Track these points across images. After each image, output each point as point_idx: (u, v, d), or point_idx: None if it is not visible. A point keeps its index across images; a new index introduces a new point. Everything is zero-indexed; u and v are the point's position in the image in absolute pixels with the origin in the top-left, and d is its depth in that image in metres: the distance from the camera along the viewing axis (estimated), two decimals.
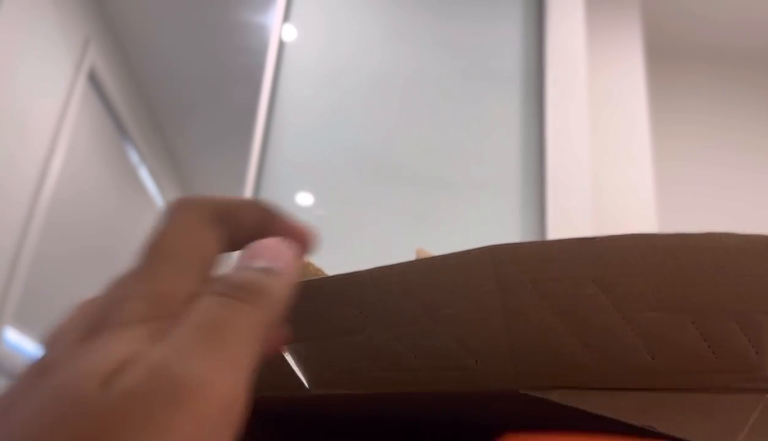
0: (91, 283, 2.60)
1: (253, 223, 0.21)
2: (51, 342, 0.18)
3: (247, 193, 1.36)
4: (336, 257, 1.34)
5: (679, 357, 0.23)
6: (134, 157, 2.97)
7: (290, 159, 1.42)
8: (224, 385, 0.15)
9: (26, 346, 2.14)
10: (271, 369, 0.27)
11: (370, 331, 0.25)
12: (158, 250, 0.19)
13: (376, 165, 1.43)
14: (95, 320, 0.17)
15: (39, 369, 0.16)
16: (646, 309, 0.22)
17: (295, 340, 0.27)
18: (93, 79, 2.46)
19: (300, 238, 0.22)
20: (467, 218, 1.38)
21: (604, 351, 0.23)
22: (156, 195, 3.29)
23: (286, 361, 0.28)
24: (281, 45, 1.51)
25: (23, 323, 2.10)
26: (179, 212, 0.20)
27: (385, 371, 0.26)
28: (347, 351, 0.26)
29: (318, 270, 0.34)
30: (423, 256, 0.46)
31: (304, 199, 1.40)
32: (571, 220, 1.34)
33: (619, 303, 0.23)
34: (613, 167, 1.64)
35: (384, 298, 0.25)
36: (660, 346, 0.23)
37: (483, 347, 0.24)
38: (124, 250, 2.97)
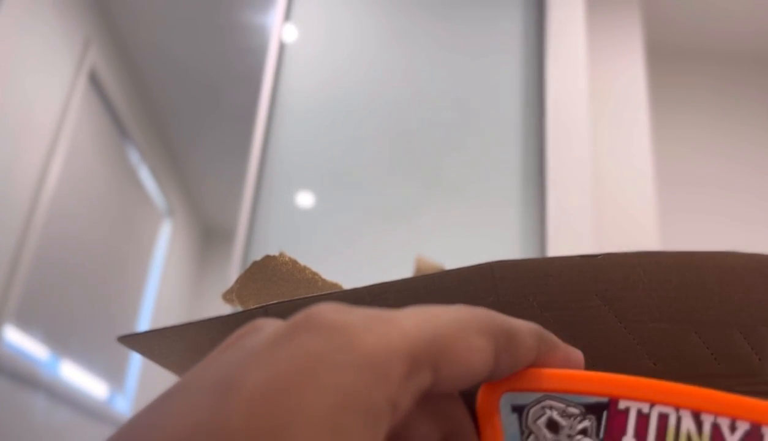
0: (91, 282, 2.61)
1: (524, 355, 0.19)
2: None
3: (248, 193, 1.36)
4: (336, 258, 1.34)
5: (680, 362, 0.23)
6: (135, 157, 2.97)
7: (290, 159, 1.42)
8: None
9: (26, 346, 2.14)
10: None
11: None
12: (429, 340, 0.16)
13: (376, 165, 1.43)
14: None
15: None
16: (648, 320, 0.23)
17: None
18: (94, 80, 2.46)
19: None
20: (467, 219, 1.38)
21: (605, 357, 0.24)
22: (157, 195, 3.30)
23: None
24: (282, 45, 1.51)
25: (23, 323, 2.10)
26: (463, 313, 0.18)
27: None
28: None
29: (314, 274, 0.33)
30: (422, 265, 0.46)
31: (304, 199, 1.40)
32: (571, 220, 1.34)
33: (622, 314, 0.23)
34: (614, 167, 1.63)
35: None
36: (662, 352, 0.23)
37: None
38: (125, 249, 2.98)
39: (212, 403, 0.13)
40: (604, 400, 0.18)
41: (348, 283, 0.30)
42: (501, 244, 1.36)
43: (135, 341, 0.29)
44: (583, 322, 0.23)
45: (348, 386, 0.14)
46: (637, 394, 0.18)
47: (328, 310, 0.15)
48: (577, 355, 0.20)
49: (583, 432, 0.18)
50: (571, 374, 0.19)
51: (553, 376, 0.19)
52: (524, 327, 0.19)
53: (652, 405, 0.18)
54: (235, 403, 0.13)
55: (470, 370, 0.17)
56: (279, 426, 0.13)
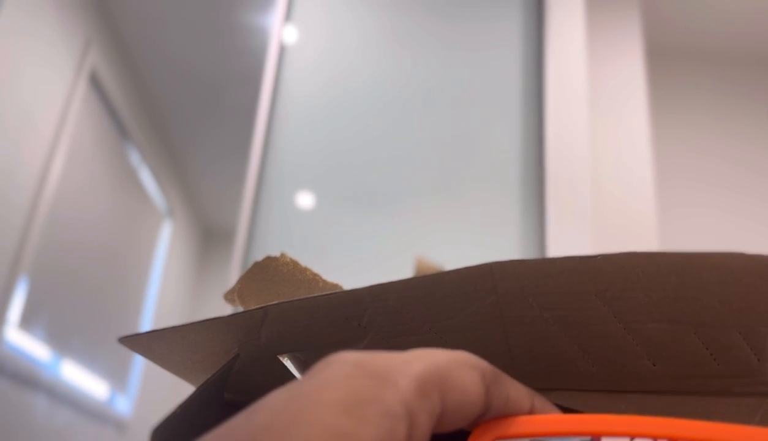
0: (92, 283, 2.61)
1: (516, 397, 0.21)
2: None
3: (248, 193, 1.36)
4: (336, 258, 1.34)
5: (680, 363, 0.23)
6: (135, 157, 2.97)
7: (290, 159, 1.42)
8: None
9: (28, 346, 2.14)
10: (275, 376, 0.27)
11: (370, 340, 0.25)
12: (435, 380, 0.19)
13: (376, 166, 1.43)
14: None
15: None
16: (647, 320, 0.23)
17: (295, 349, 0.27)
18: (94, 81, 2.46)
19: None
20: (467, 219, 1.38)
21: (604, 357, 0.24)
22: (157, 195, 3.30)
23: (287, 368, 0.28)
24: (282, 46, 1.51)
25: (25, 324, 2.10)
26: (453, 353, 0.20)
27: None
28: None
29: (315, 275, 0.33)
30: (421, 265, 0.46)
31: (304, 199, 1.40)
32: (570, 220, 1.34)
33: (621, 314, 0.23)
34: (613, 167, 1.63)
35: (383, 312, 0.25)
36: (661, 353, 0.23)
37: (481, 353, 0.24)
38: (126, 250, 2.98)
39: (244, 418, 0.16)
40: (587, 440, 0.19)
41: (348, 284, 0.31)
42: (501, 244, 1.36)
43: (135, 342, 0.29)
44: (583, 322, 0.23)
45: (360, 387, 0.16)
46: (617, 430, 0.19)
47: (342, 353, 0.18)
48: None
49: None
50: (554, 418, 0.20)
51: (536, 421, 0.20)
52: (515, 381, 0.21)
53: (633, 439, 0.19)
54: (260, 413, 0.16)
55: (468, 397, 0.19)
56: (298, 412, 0.15)
